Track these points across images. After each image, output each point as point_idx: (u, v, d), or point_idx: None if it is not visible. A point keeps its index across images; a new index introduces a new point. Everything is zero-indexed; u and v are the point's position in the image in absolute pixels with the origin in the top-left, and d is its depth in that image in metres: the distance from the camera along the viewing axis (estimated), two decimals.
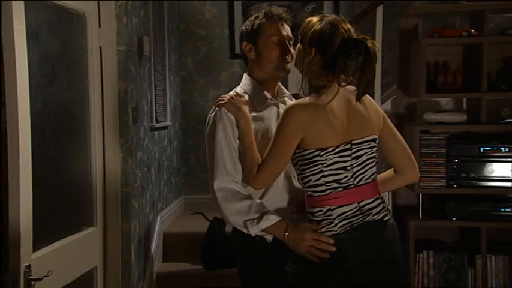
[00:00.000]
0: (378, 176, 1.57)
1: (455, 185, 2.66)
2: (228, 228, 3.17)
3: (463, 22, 2.93)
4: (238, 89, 1.68)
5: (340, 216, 1.44)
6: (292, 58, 1.60)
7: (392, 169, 1.64)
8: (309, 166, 1.46)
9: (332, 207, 1.45)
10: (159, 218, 3.13)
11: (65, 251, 2.00)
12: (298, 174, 1.53)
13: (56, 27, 2.01)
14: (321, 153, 1.44)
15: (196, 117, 4.00)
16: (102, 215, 2.37)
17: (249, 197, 1.54)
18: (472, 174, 2.63)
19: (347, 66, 1.45)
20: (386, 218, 1.50)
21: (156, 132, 3.08)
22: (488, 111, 2.71)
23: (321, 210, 1.46)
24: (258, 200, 1.56)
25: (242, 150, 1.55)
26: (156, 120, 3.00)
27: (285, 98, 1.71)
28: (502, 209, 2.62)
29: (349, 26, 1.47)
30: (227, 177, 1.54)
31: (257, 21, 1.62)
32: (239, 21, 3.93)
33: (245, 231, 1.53)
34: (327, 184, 1.45)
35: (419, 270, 2.69)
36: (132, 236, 2.48)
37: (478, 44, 2.65)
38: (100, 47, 2.32)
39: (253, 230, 1.52)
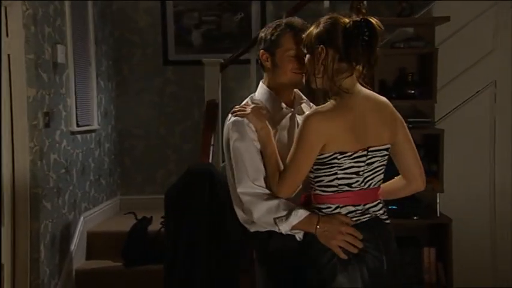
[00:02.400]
0: (386, 184, 1.62)
1: None
2: (151, 228, 3.38)
3: None
4: (255, 98, 1.67)
5: (349, 215, 1.48)
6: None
7: (399, 177, 1.65)
8: (324, 167, 1.47)
9: (341, 205, 1.48)
10: (82, 217, 3.26)
11: None
12: (310, 172, 1.51)
13: None
14: (339, 157, 1.45)
15: (132, 121, 4.15)
16: (11, 215, 2.49)
17: (276, 197, 1.53)
18: None
19: (361, 50, 1.43)
20: (386, 220, 1.55)
21: (78, 136, 3.21)
22: None
23: (330, 207, 1.49)
24: (284, 200, 1.54)
25: (264, 160, 1.55)
26: (77, 124, 3.14)
27: (302, 105, 1.71)
28: (390, 207, 2.84)
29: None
30: (250, 183, 1.53)
31: (277, 32, 1.61)
32: (171, 29, 4.10)
33: (276, 229, 1.52)
34: (340, 186, 1.48)
35: None
36: (42, 235, 2.61)
37: None
38: (8, 55, 2.46)
39: (284, 227, 1.50)
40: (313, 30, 1.51)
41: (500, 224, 3.07)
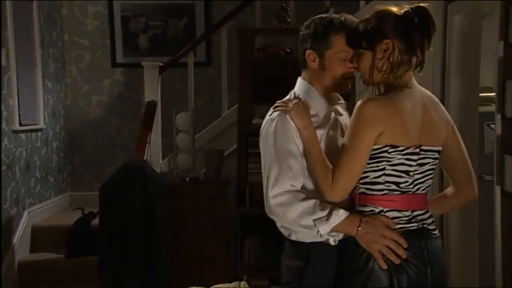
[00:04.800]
0: (435, 196, 1.56)
1: None
2: (96, 221, 3.55)
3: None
4: (298, 95, 1.54)
5: (394, 220, 1.38)
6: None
7: (448, 189, 1.57)
8: (372, 161, 1.38)
9: (385, 210, 1.38)
10: (26, 212, 3.42)
11: None
12: None
13: None
14: (390, 150, 1.36)
15: (81, 121, 4.32)
16: None
17: (312, 198, 1.41)
18: None
19: (424, 39, 1.38)
20: (435, 231, 1.45)
21: (22, 135, 3.37)
22: None
23: (373, 211, 1.39)
24: (320, 200, 1.42)
25: (310, 162, 1.43)
26: (20, 123, 3.30)
27: (340, 106, 1.58)
28: None
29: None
30: (288, 183, 1.42)
31: (327, 31, 1.47)
32: (119, 33, 4.29)
33: (314, 231, 1.40)
34: (386, 184, 1.38)
35: (247, 251, 3.15)
36: None
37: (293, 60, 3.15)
38: None
39: (324, 229, 1.39)
40: (368, 24, 1.40)
41: None
